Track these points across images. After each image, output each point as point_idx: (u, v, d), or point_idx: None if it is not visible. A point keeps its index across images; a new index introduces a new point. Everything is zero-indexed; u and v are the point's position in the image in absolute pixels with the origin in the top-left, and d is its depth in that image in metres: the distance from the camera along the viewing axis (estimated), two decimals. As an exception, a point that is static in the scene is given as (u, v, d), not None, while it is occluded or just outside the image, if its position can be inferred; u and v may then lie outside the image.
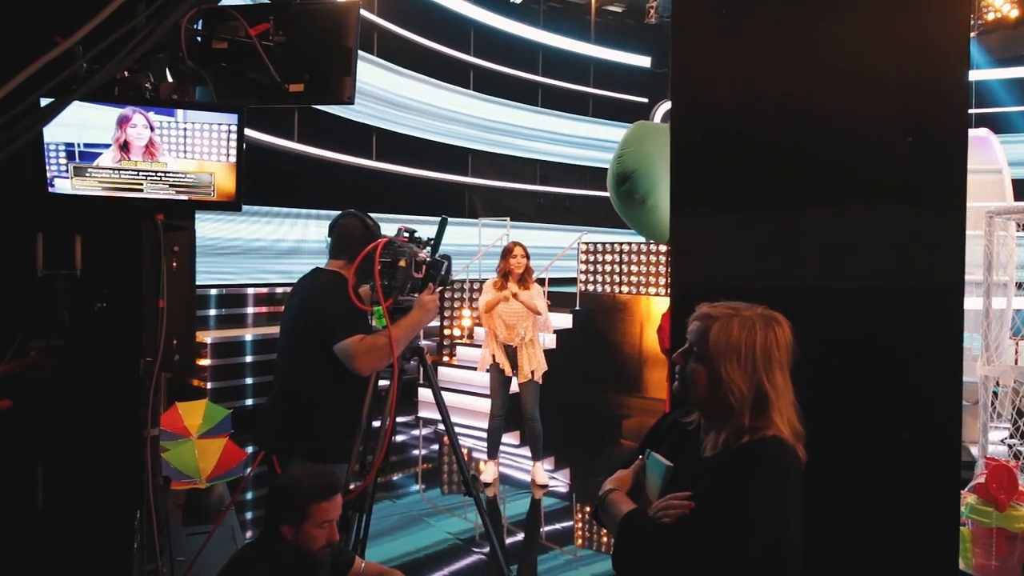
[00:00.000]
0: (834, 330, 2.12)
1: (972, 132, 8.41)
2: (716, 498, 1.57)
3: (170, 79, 2.12)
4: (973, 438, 4.37)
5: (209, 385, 8.07)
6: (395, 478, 6.52)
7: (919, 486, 2.09)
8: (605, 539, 4.97)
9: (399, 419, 8.23)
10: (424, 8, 13.26)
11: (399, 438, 7.84)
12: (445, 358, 9.81)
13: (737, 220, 2.24)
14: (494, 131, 14.75)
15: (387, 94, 12.41)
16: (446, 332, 10.03)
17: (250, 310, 9.52)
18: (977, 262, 3.78)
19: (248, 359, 8.35)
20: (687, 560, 1.55)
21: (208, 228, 9.41)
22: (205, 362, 8.16)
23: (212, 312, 9.23)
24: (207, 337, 8.33)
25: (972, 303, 3.35)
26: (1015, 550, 2.93)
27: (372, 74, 11.95)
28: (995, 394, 4.12)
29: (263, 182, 10.06)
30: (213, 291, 9.31)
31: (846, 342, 2.13)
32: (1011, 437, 4.36)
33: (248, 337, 8.48)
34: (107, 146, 1.94)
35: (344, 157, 11.76)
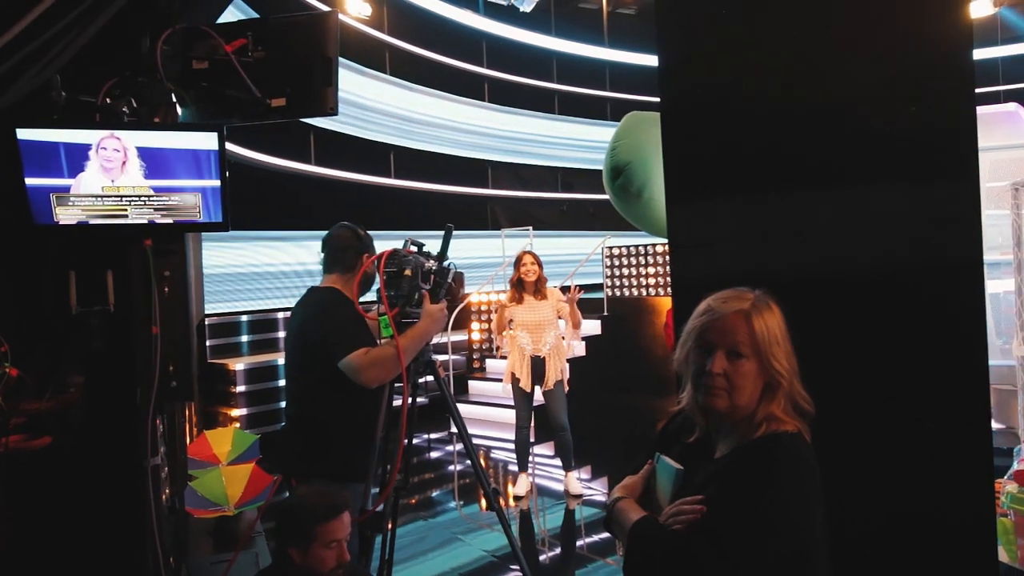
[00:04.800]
0: (846, 316, 2.00)
1: (1001, 107, 8.13)
2: (730, 501, 1.47)
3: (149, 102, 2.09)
4: (1013, 423, 4.18)
5: (243, 412, 8.13)
6: (432, 495, 6.44)
7: (948, 478, 1.95)
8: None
9: (433, 436, 8.19)
10: (434, 24, 13.30)
11: (434, 454, 7.78)
12: (474, 371, 9.75)
13: (737, 207, 2.13)
14: (513, 141, 14.72)
15: (402, 111, 12.45)
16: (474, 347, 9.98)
17: (281, 334, 9.59)
18: (1006, 243, 3.62)
19: (281, 383, 8.40)
20: (704, 569, 1.46)
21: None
22: (240, 388, 8.23)
23: (244, 338, 9.31)
24: (238, 364, 8.39)
25: (1004, 285, 3.19)
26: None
27: (386, 92, 12.00)
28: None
29: (281, 207, 10.16)
30: (244, 317, 9.39)
31: (860, 328, 2.01)
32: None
33: (280, 361, 8.53)
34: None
35: (362, 177, 11.81)
